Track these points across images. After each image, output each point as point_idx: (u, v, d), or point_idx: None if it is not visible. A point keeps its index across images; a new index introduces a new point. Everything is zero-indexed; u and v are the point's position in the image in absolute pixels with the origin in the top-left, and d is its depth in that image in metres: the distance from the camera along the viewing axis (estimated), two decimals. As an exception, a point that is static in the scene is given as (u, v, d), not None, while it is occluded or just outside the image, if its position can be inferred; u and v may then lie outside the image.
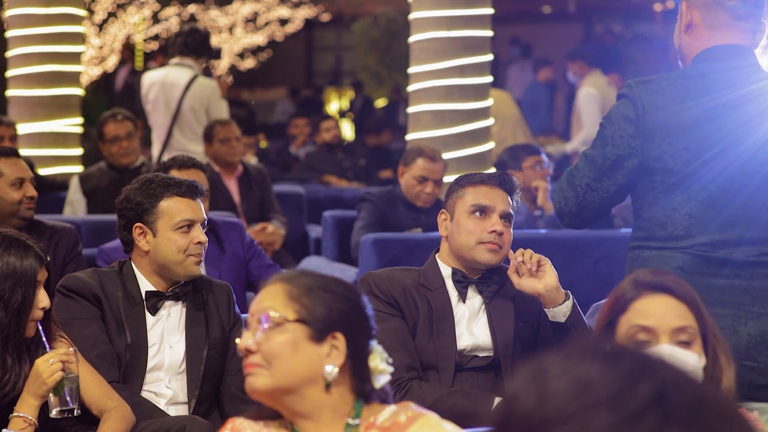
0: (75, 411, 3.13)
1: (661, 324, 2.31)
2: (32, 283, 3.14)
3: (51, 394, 3.10)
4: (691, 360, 2.33)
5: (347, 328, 2.17)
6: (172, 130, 7.41)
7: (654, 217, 3.19)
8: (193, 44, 7.45)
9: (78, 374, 3.14)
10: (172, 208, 3.50)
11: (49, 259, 3.22)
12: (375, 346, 2.21)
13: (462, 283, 3.56)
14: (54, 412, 3.11)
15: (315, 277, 2.22)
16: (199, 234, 3.52)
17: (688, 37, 3.29)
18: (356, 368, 2.18)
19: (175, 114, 7.39)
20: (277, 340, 2.15)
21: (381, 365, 2.20)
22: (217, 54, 7.95)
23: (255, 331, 2.16)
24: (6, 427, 3.09)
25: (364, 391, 2.20)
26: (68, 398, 3.11)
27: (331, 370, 2.15)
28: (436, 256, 3.63)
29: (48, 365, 3.07)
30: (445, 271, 3.58)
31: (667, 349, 2.30)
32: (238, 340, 2.20)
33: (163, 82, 7.45)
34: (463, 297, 3.55)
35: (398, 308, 3.47)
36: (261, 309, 2.18)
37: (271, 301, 2.17)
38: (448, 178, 6.35)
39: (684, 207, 3.15)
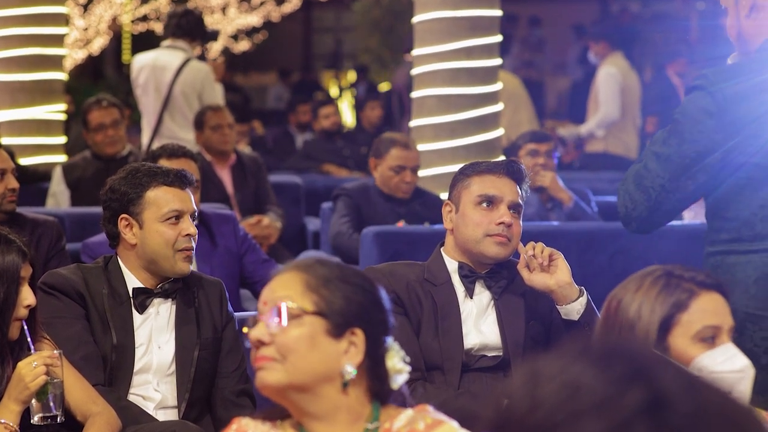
0: (59, 418, 3.12)
1: (725, 322, 2.38)
2: (14, 280, 3.12)
3: (34, 400, 3.09)
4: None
5: (366, 324, 2.14)
6: (162, 116, 7.40)
7: (739, 217, 3.10)
8: (187, 26, 7.44)
9: (63, 379, 3.13)
10: (159, 198, 3.49)
11: (33, 253, 3.21)
12: (391, 343, 2.17)
13: (469, 278, 3.54)
14: (36, 419, 3.10)
15: (332, 266, 2.18)
16: (188, 226, 3.50)
17: (751, 22, 3.22)
18: (373, 367, 2.14)
19: (165, 99, 7.38)
20: (293, 334, 2.11)
21: (399, 364, 2.16)
22: (213, 36, 7.94)
23: (268, 322, 2.12)
24: None
25: (381, 393, 2.16)
26: (52, 404, 3.10)
27: (351, 369, 2.12)
28: (441, 249, 3.61)
29: (31, 369, 3.05)
30: (451, 265, 3.56)
31: (732, 351, 2.38)
32: (247, 330, 2.15)
33: (154, 66, 7.44)
34: (470, 293, 3.53)
35: (401, 305, 3.45)
36: (276, 298, 2.13)
37: (287, 291, 2.13)
38: (456, 167, 6.33)
39: None
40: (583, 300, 3.41)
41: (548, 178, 5.92)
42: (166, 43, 7.54)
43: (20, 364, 3.07)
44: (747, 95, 3.07)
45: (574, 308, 3.43)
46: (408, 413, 2.15)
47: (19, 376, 3.06)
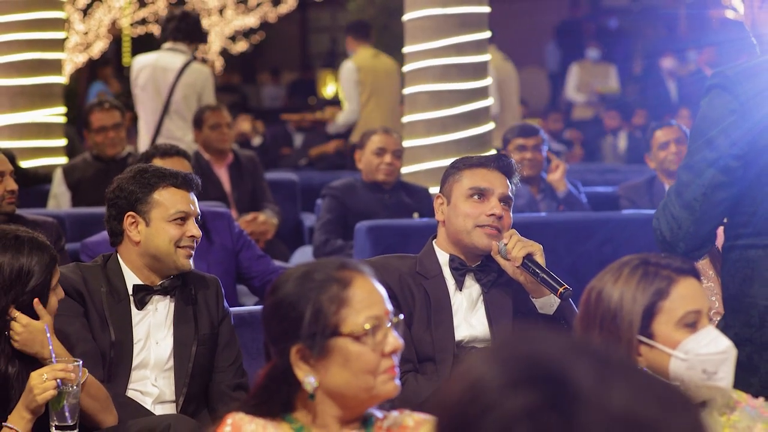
0: (74, 428, 3.10)
1: (704, 305, 2.40)
2: (47, 285, 3.18)
3: (51, 408, 3.08)
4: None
5: None
6: (162, 117, 7.40)
7: (758, 212, 3.04)
8: (186, 29, 7.45)
9: (80, 388, 3.11)
10: (167, 200, 3.51)
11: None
12: None
13: (459, 270, 3.53)
14: (53, 428, 3.08)
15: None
16: (193, 228, 3.53)
17: (764, 13, 3.20)
18: None
19: (166, 100, 7.39)
20: None
21: None
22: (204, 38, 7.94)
23: (397, 335, 2.20)
24: None
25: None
26: (67, 414, 3.07)
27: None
28: (434, 242, 3.61)
29: (41, 381, 3.04)
30: (443, 258, 3.56)
31: (714, 333, 2.40)
32: (394, 339, 2.19)
33: (155, 67, 7.45)
34: (460, 285, 3.53)
35: (393, 297, 3.44)
36: (389, 311, 2.20)
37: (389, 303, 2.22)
38: (447, 162, 6.34)
39: None
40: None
41: (559, 172, 6.10)
42: (167, 45, 7.55)
43: (33, 374, 3.06)
44: (762, 89, 3.00)
45: (548, 302, 3.42)
46: (394, 414, 2.22)
47: (29, 386, 3.05)
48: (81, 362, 3.12)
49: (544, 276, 3.34)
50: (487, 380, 1.12)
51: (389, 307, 2.19)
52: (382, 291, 2.20)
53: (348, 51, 9.68)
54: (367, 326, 2.14)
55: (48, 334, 3.14)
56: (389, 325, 2.17)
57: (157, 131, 7.41)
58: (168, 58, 7.44)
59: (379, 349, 2.15)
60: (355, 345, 2.14)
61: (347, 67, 9.30)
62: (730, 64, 3.09)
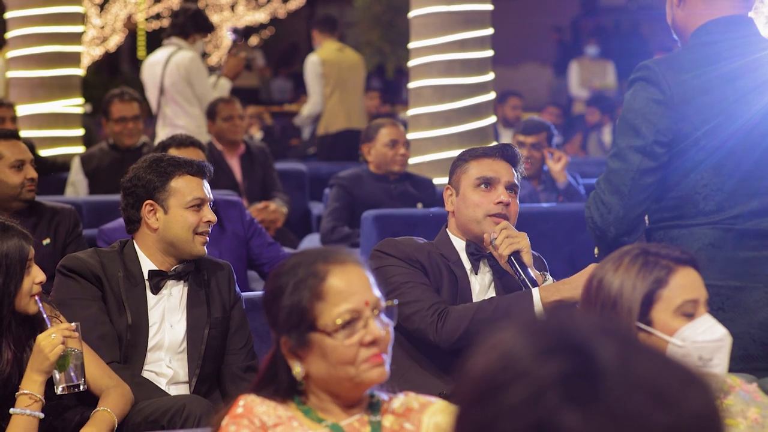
0: (81, 386, 3.12)
1: (701, 294, 2.40)
2: (23, 261, 3.13)
3: (56, 371, 3.09)
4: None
5: None
6: (161, 106, 7.42)
7: (682, 196, 3.12)
8: (179, 24, 7.46)
9: (81, 350, 3.13)
10: (184, 187, 3.52)
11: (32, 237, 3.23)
12: None
13: (475, 255, 3.53)
14: (60, 389, 3.09)
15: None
16: (209, 213, 3.54)
17: (681, 11, 3.25)
18: None
19: (160, 91, 7.41)
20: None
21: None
22: (242, 34, 7.88)
23: (386, 321, 2.16)
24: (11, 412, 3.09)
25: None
26: (73, 374, 3.09)
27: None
28: (447, 230, 3.61)
29: (50, 340, 3.05)
30: (459, 243, 3.55)
31: (710, 321, 2.39)
32: (377, 327, 2.15)
33: (148, 63, 7.54)
34: (475, 269, 3.53)
35: (424, 270, 3.43)
36: (377, 298, 2.16)
37: (375, 290, 2.17)
38: (450, 154, 6.34)
39: (715, 182, 3.10)
40: (546, 285, 3.38)
41: (561, 164, 6.10)
42: (165, 42, 7.58)
43: (39, 336, 3.08)
44: (682, 81, 3.09)
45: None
46: (400, 396, 2.22)
47: (38, 348, 3.06)
48: (79, 324, 3.13)
49: (524, 278, 3.36)
50: (518, 350, 1.12)
51: (376, 294, 2.16)
52: (365, 279, 2.16)
53: (314, 45, 9.66)
54: (339, 321, 2.11)
55: (39, 305, 3.14)
56: (370, 314, 2.14)
57: (157, 119, 7.44)
58: (159, 54, 7.50)
59: (356, 340, 2.12)
60: (329, 339, 2.11)
61: (311, 60, 9.28)
62: (652, 59, 3.17)
